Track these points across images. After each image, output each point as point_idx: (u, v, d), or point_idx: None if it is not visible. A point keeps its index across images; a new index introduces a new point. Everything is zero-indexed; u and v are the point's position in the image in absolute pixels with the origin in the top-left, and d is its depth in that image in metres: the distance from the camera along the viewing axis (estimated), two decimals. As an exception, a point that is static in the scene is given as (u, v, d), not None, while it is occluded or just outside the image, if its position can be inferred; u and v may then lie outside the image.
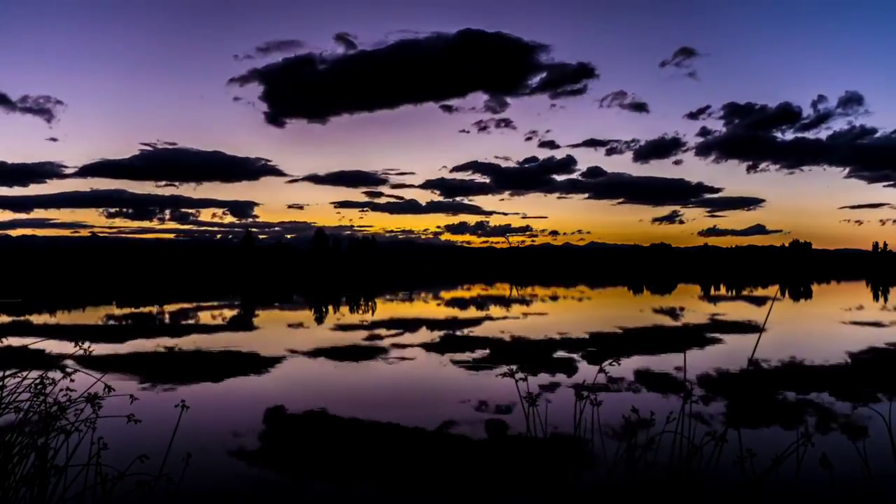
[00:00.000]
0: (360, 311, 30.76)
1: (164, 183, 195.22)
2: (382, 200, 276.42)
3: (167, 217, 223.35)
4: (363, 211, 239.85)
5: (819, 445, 7.61)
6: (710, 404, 9.81)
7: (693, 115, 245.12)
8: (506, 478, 6.45)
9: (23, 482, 4.11)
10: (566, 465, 4.24)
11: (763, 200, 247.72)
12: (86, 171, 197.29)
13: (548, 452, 4.38)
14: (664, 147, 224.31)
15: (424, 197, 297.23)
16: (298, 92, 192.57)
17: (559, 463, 4.19)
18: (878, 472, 6.42)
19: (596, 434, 6.55)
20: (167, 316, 28.00)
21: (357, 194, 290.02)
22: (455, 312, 29.44)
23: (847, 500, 5.68)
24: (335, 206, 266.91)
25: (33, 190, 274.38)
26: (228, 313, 29.12)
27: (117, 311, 30.30)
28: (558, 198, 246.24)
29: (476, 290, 54.48)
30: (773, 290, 55.47)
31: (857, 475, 6.40)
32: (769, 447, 7.78)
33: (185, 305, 34.73)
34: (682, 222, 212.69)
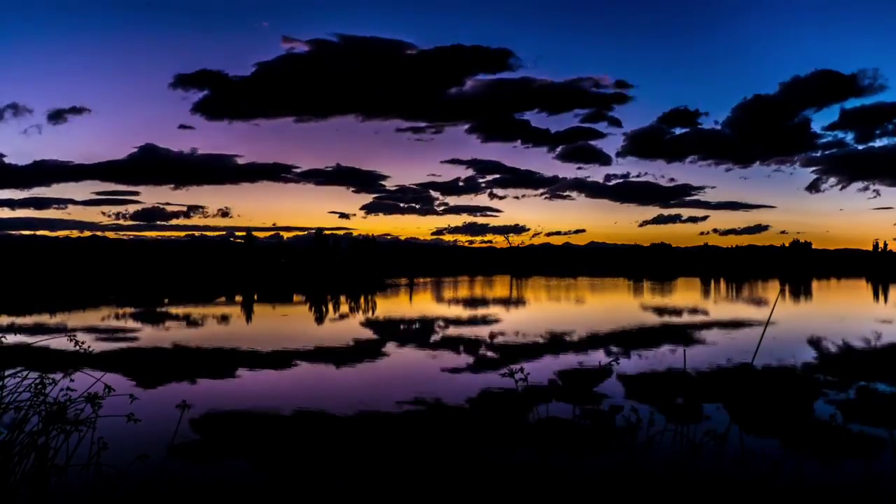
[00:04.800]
0: (359, 311, 30.77)
1: (164, 184, 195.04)
2: (384, 199, 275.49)
3: (167, 217, 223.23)
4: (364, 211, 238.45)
5: (819, 445, 7.61)
6: (711, 402, 9.79)
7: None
8: (507, 476, 6.44)
9: (23, 482, 4.10)
10: (568, 463, 4.25)
11: (763, 200, 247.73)
12: (87, 171, 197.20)
13: (549, 451, 4.38)
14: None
15: (426, 197, 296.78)
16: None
17: (561, 461, 4.20)
18: (877, 472, 6.42)
19: (597, 433, 6.54)
20: (168, 316, 27.99)
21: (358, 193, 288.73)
22: (456, 312, 29.43)
23: (847, 500, 5.68)
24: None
25: (34, 191, 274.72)
26: (229, 313, 29.12)
27: (118, 311, 30.29)
28: (559, 198, 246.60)
29: (476, 290, 54.45)
30: (773, 290, 55.43)
31: (857, 475, 6.39)
32: (770, 446, 7.78)
33: (187, 306, 34.74)
34: (682, 221, 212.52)
